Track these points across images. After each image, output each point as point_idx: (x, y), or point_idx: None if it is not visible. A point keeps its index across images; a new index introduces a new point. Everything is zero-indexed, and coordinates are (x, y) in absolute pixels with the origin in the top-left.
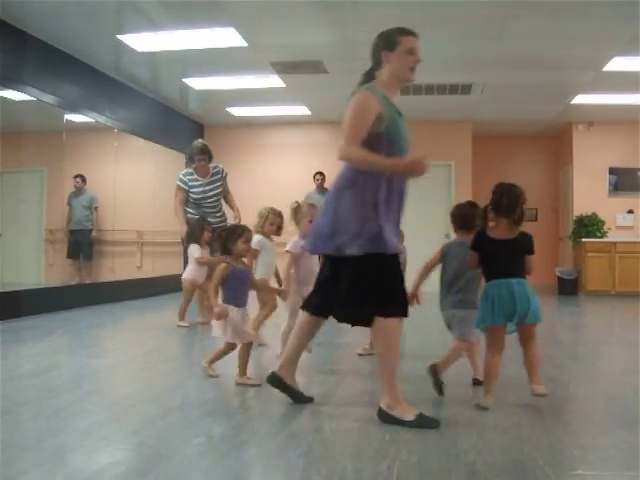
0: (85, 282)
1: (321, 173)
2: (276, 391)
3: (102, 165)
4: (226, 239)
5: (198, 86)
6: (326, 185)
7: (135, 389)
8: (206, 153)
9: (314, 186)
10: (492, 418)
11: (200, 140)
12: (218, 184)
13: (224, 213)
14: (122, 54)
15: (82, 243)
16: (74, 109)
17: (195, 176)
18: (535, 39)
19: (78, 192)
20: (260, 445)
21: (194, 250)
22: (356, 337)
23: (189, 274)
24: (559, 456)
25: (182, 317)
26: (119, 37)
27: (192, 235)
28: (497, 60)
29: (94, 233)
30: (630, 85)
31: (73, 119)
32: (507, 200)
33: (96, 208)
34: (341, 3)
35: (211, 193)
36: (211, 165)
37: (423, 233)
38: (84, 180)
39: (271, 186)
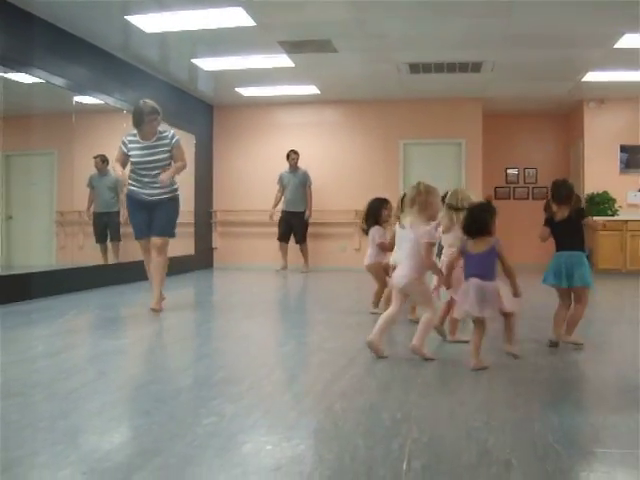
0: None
1: (295, 152)
2: (288, 371)
3: (112, 146)
4: (489, 219)
5: (207, 67)
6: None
7: (146, 370)
8: (157, 112)
9: (287, 165)
10: (502, 396)
11: (147, 99)
12: (161, 149)
13: (173, 185)
14: (130, 35)
15: (109, 226)
16: (83, 91)
17: (137, 138)
18: (545, 16)
19: (101, 173)
20: (271, 425)
21: (376, 233)
22: (364, 317)
23: (372, 258)
24: (570, 434)
25: (377, 304)
26: (127, 18)
27: (371, 216)
28: (507, 38)
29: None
30: None
31: (82, 101)
32: (565, 191)
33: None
34: None
35: (149, 158)
36: (161, 129)
37: None
38: (104, 160)
39: (278, 165)
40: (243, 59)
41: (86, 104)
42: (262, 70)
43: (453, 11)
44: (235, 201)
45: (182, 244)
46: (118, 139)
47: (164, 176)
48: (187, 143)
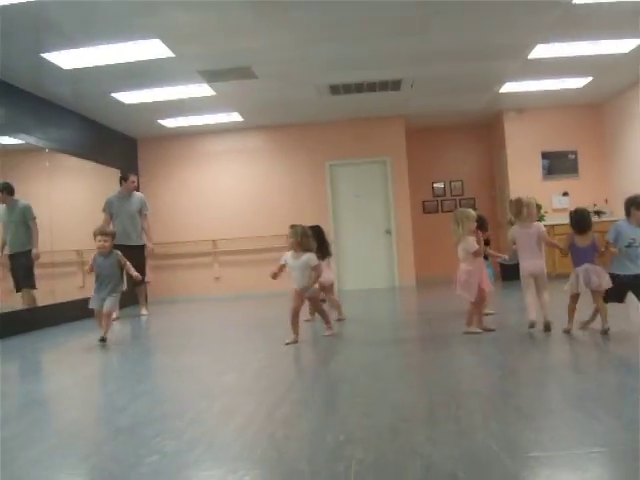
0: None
1: (135, 174)
2: (228, 402)
3: (36, 186)
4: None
5: (127, 100)
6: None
7: (83, 413)
8: None
9: (118, 189)
10: (443, 409)
11: None
12: None
13: None
14: (47, 72)
15: (20, 268)
16: (1, 131)
17: None
18: (459, 32)
19: (6, 207)
20: (215, 458)
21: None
22: (299, 343)
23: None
24: (513, 440)
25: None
26: (43, 55)
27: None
28: (424, 54)
29: (34, 252)
30: (555, 71)
31: (2, 142)
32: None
33: (34, 219)
34: (266, 6)
35: None
36: None
37: (362, 230)
38: (5, 189)
39: (207, 195)
40: (164, 90)
41: (5, 144)
42: (183, 100)
43: (369, 30)
44: (165, 233)
45: None
46: (42, 178)
47: None
48: (112, 178)
